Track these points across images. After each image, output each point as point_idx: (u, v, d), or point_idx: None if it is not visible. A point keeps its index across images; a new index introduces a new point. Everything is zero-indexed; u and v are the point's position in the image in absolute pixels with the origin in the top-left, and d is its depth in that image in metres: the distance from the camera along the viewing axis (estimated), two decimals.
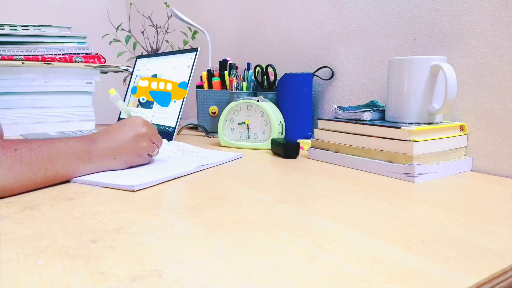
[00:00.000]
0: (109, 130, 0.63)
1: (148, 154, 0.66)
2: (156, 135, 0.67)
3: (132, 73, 1.18)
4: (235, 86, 1.02)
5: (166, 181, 0.58)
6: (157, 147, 0.67)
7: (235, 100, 0.87)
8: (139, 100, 1.07)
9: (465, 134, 0.67)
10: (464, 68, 0.67)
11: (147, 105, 1.05)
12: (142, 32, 1.46)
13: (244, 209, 0.46)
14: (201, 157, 0.73)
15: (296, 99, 0.91)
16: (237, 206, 0.47)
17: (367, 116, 0.69)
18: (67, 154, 0.56)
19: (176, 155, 0.76)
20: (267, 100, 0.87)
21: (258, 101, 0.85)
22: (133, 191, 0.53)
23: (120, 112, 1.17)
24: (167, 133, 0.94)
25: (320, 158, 0.74)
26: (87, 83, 1.14)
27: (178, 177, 0.61)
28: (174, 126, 0.94)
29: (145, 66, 1.14)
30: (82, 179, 0.58)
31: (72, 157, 0.56)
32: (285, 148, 0.75)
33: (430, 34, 0.72)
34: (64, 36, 1.12)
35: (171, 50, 1.44)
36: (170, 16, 1.39)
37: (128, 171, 0.63)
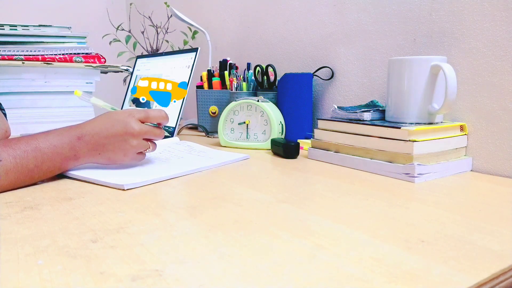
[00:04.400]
0: (97, 123, 0.59)
1: (142, 153, 0.63)
2: (150, 131, 0.62)
3: (132, 73, 1.18)
4: (235, 86, 1.02)
5: (162, 181, 0.58)
6: (153, 144, 0.64)
7: (235, 100, 0.87)
8: (138, 100, 1.07)
9: (465, 134, 0.67)
10: (464, 68, 0.67)
11: (147, 105, 1.05)
12: (142, 32, 1.46)
13: (244, 209, 0.46)
14: (206, 158, 0.73)
15: (296, 99, 0.91)
16: (237, 206, 0.47)
17: (367, 116, 0.69)
18: (52, 155, 0.55)
19: (183, 154, 0.76)
20: (267, 100, 0.87)
21: (258, 101, 0.85)
22: (123, 189, 0.53)
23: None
24: (167, 133, 0.94)
25: (320, 158, 0.74)
26: (87, 83, 1.14)
27: (177, 177, 0.61)
28: (174, 126, 0.94)
29: (145, 66, 1.14)
30: (74, 174, 0.59)
31: (58, 157, 0.56)
32: (285, 148, 0.75)
33: (430, 34, 0.72)
34: (64, 36, 1.12)
35: (171, 50, 1.44)
36: (170, 16, 1.39)
37: (124, 169, 0.63)
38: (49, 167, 0.56)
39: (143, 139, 0.61)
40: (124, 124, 0.59)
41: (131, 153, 0.61)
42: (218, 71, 1.13)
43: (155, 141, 0.65)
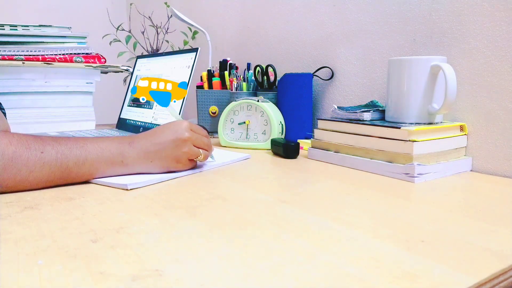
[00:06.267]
0: (150, 132, 0.60)
1: (193, 160, 0.62)
2: (201, 140, 0.62)
3: (132, 73, 1.18)
4: (235, 86, 1.02)
5: (162, 181, 0.58)
6: (205, 151, 0.63)
7: (235, 100, 0.87)
8: (138, 100, 1.07)
9: (465, 134, 0.67)
10: (464, 68, 0.67)
11: (147, 105, 1.05)
12: (142, 32, 1.46)
13: (244, 209, 0.46)
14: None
15: (296, 99, 0.91)
16: (237, 206, 0.47)
17: (367, 116, 0.69)
18: (97, 157, 0.54)
19: None
20: (267, 100, 0.87)
21: (258, 101, 0.85)
22: (126, 189, 0.53)
23: (120, 113, 1.17)
24: None
25: (320, 158, 0.74)
26: (87, 83, 1.14)
27: (177, 177, 0.61)
28: None
29: (145, 66, 1.14)
30: None
31: (102, 160, 0.55)
32: (285, 148, 0.75)
33: (430, 34, 0.72)
34: (64, 36, 1.12)
35: (171, 50, 1.44)
36: (170, 16, 1.39)
37: None
38: (89, 169, 0.54)
39: (194, 146, 0.61)
40: (175, 131, 0.59)
41: (183, 159, 0.60)
42: (218, 71, 1.13)
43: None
